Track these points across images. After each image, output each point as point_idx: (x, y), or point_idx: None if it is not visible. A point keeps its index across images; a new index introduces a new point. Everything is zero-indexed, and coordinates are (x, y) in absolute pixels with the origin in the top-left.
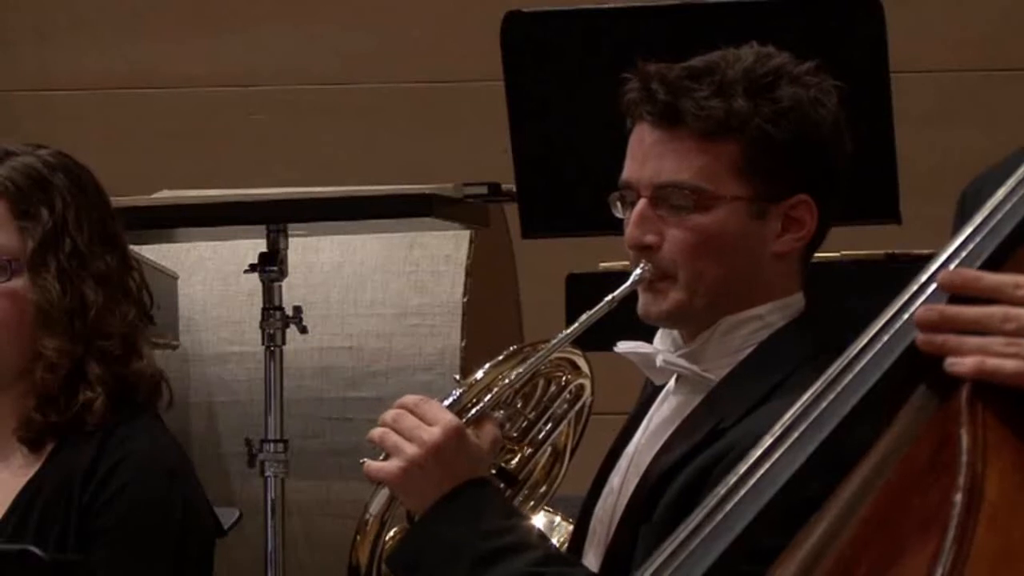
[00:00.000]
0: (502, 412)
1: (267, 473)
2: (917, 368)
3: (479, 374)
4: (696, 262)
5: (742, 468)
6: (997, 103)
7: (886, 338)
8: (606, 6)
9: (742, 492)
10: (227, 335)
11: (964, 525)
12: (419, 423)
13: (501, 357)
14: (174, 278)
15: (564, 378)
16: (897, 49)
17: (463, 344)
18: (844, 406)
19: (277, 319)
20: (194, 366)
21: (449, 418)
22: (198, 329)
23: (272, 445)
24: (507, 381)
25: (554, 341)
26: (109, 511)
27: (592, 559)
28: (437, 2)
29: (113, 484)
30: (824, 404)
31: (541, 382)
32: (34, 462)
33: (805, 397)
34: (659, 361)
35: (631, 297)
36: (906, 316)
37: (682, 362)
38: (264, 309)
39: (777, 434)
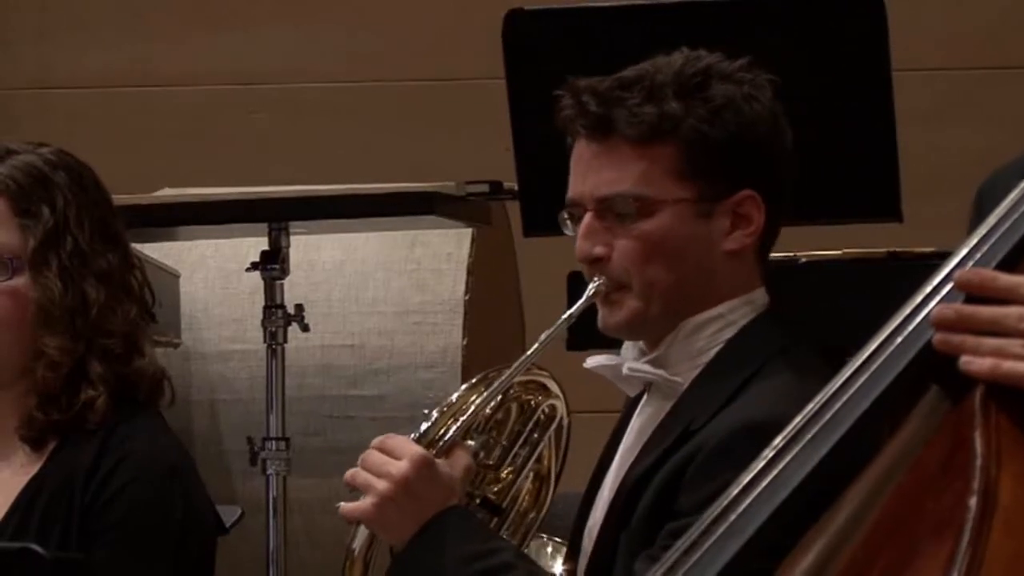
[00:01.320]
0: (474, 441)
1: (269, 471)
2: (930, 370)
3: (452, 398)
4: (647, 268)
5: (755, 468)
6: (995, 102)
7: (900, 339)
8: (607, 4)
9: (755, 493)
10: (229, 333)
11: (979, 529)
12: (387, 459)
13: (474, 381)
14: (176, 276)
15: (534, 401)
16: (895, 48)
17: (465, 342)
18: (858, 407)
19: (279, 317)
20: (196, 364)
21: (415, 450)
22: (200, 327)
23: (274, 443)
24: (472, 409)
25: (516, 364)
26: (110, 510)
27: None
28: (438, 0)
29: (114, 483)
30: (838, 405)
31: (514, 407)
32: (36, 461)
33: (818, 397)
34: (625, 370)
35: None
36: (920, 317)
37: (647, 368)
38: (266, 307)
39: (790, 435)
